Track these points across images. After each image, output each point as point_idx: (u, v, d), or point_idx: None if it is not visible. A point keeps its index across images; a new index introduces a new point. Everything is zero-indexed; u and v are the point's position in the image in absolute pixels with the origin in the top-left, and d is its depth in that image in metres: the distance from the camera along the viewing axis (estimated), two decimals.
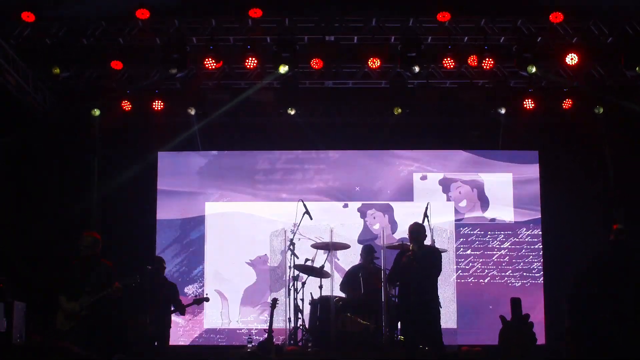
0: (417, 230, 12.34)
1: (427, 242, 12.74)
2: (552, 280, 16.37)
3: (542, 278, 16.60)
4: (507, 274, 16.70)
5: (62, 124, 16.25)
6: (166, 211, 16.91)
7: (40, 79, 15.32)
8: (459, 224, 16.94)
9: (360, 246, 14.91)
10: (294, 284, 13.20)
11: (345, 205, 17.00)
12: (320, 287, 13.17)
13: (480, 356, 13.27)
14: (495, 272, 16.73)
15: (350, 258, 15.28)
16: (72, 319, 11.42)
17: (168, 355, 14.36)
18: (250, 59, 14.21)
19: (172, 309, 14.18)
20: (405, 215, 16.16)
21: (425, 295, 12.10)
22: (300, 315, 13.24)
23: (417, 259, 12.12)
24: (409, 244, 12.79)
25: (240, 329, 16.44)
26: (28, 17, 13.33)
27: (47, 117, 16.04)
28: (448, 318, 15.89)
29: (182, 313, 14.42)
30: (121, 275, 11.71)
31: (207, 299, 14.66)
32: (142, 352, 13.30)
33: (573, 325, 11.65)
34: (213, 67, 14.32)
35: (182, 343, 16.29)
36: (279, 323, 13.66)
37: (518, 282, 16.59)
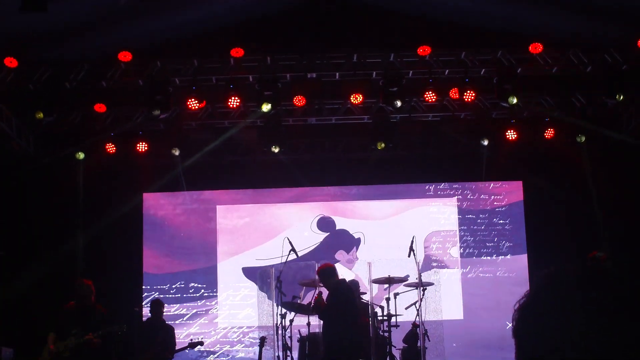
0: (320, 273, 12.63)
1: (415, 275, 12.90)
2: None
3: None
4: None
5: (47, 168, 16.23)
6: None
7: (24, 123, 15.29)
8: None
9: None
10: (281, 322, 13.16)
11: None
12: (308, 324, 13.14)
13: None
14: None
15: None
16: (56, 358, 11.54)
17: None
18: (232, 98, 14.27)
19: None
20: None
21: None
22: (289, 353, 13.18)
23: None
24: (394, 277, 13.05)
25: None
26: (11, 62, 13.36)
27: (32, 161, 16.00)
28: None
29: (171, 357, 14.09)
30: (112, 320, 11.79)
31: (201, 343, 14.48)
32: None
33: None
34: (196, 107, 14.40)
35: None
36: None
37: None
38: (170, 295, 16.54)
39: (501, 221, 17.00)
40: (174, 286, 16.72)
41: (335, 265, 16.40)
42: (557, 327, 1.77)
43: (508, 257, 16.86)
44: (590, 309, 1.76)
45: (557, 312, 1.79)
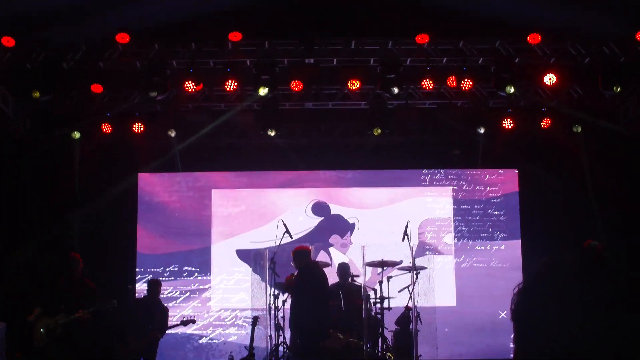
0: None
1: (408, 260, 13.01)
2: None
3: None
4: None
5: (43, 148, 16.20)
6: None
7: (20, 103, 15.25)
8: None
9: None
10: (274, 302, 13.21)
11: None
12: None
13: None
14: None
15: None
16: (47, 336, 11.60)
17: None
18: (230, 81, 14.25)
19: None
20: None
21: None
22: (281, 333, 13.23)
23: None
24: (387, 260, 13.25)
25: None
26: (8, 41, 13.32)
27: (28, 141, 15.98)
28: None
29: (162, 336, 14.18)
30: (104, 297, 11.86)
31: (193, 321, 14.52)
32: None
33: None
34: (193, 89, 14.37)
35: None
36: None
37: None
38: (164, 278, 16.49)
39: (496, 212, 17.00)
40: (167, 269, 16.71)
41: (329, 249, 16.54)
42: (554, 318, 1.78)
43: (502, 247, 16.86)
44: (587, 300, 1.78)
45: (555, 304, 1.80)
